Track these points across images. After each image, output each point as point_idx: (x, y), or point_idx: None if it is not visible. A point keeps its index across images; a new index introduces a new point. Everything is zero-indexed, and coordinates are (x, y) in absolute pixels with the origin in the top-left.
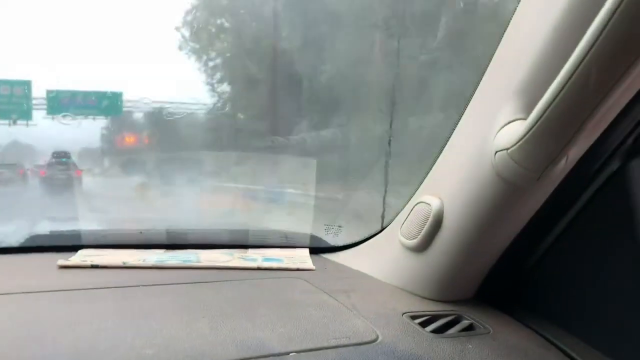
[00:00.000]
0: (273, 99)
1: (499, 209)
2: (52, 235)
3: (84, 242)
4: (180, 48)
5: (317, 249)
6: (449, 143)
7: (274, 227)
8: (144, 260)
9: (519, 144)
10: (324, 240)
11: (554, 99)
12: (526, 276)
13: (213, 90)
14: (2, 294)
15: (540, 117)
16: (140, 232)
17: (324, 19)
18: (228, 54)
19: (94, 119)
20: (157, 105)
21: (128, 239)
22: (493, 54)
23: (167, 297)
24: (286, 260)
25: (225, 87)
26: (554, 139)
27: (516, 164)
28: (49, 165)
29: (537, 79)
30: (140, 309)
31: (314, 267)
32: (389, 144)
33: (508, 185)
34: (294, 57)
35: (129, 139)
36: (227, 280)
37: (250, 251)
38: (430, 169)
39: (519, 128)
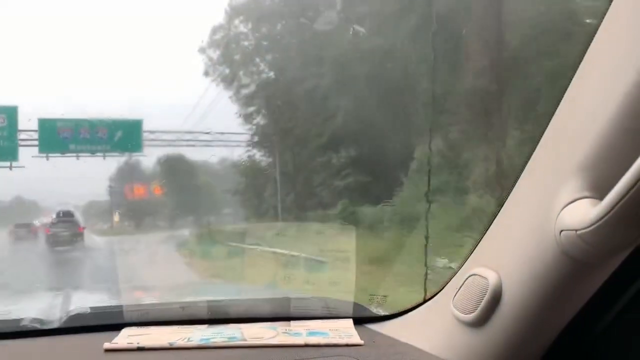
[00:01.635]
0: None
1: (564, 285)
2: (94, 313)
3: (126, 320)
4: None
5: (361, 319)
6: (502, 214)
7: (315, 295)
8: (188, 340)
9: (592, 227)
10: (368, 309)
11: (637, 181)
12: (588, 350)
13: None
14: None
15: (620, 200)
16: (182, 308)
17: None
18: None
19: (103, 157)
20: (187, 145)
21: (170, 314)
22: (549, 121)
23: None
24: (332, 334)
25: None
26: (636, 224)
27: (588, 245)
28: (53, 224)
29: (606, 155)
30: None
31: (362, 342)
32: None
33: (575, 263)
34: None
35: (156, 190)
36: None
37: (293, 324)
38: (481, 239)
39: (588, 208)
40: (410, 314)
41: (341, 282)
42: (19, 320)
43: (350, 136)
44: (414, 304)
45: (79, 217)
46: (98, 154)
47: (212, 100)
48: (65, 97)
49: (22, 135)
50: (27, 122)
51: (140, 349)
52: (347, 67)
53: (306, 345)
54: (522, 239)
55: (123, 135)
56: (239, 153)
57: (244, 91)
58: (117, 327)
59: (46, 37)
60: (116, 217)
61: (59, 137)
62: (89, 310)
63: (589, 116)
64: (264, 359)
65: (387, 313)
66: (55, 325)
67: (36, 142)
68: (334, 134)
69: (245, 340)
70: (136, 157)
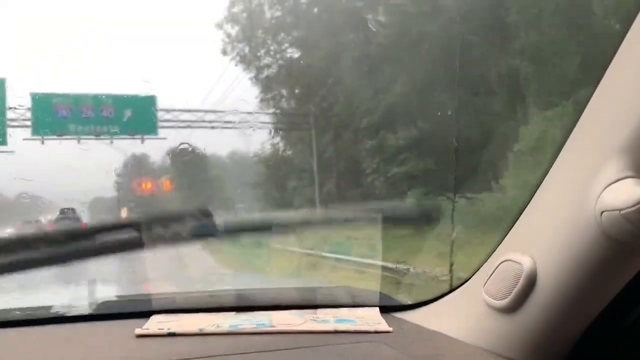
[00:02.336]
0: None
1: (604, 268)
2: (123, 301)
3: (154, 308)
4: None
5: (388, 308)
6: (535, 198)
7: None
8: (218, 326)
9: (638, 206)
10: (394, 298)
11: None
12: (624, 335)
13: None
14: None
15: None
16: (210, 296)
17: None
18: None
19: (110, 142)
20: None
21: (198, 302)
22: (588, 100)
23: None
24: (359, 322)
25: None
26: None
27: (632, 225)
28: (57, 220)
29: None
30: None
31: (390, 329)
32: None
33: (617, 244)
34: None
35: (166, 185)
36: (304, 347)
37: (320, 311)
38: (513, 224)
39: (632, 188)
40: (437, 302)
41: (367, 272)
42: (48, 307)
43: (408, 114)
44: (440, 293)
45: (81, 213)
46: (103, 136)
47: (232, 81)
48: (64, 70)
49: (11, 114)
50: (17, 98)
51: (171, 335)
52: (400, 31)
53: (335, 332)
54: (559, 223)
55: (133, 114)
56: (267, 137)
57: (270, 69)
58: (146, 315)
59: None
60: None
61: (56, 115)
62: (117, 298)
63: (631, 96)
64: (293, 345)
65: (413, 302)
66: (85, 312)
67: (28, 123)
68: (388, 110)
69: (274, 326)
70: (150, 140)
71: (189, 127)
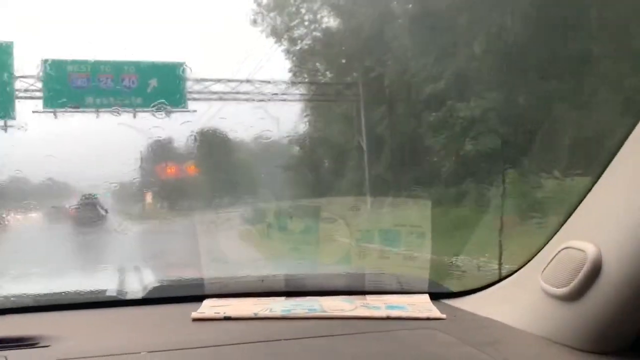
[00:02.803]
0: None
1: None
2: (176, 285)
3: (207, 292)
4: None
5: (437, 294)
6: (600, 185)
7: (390, 271)
8: (271, 311)
9: None
10: (443, 285)
11: None
12: None
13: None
14: (140, 353)
15: None
16: (261, 281)
17: None
18: None
19: (133, 115)
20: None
21: (249, 287)
22: None
23: (299, 352)
24: (410, 308)
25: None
26: None
27: None
28: (77, 206)
29: None
30: None
31: (444, 316)
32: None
33: None
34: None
35: (190, 169)
36: (357, 333)
37: (369, 298)
38: (572, 211)
39: None
40: (489, 289)
41: (416, 258)
42: (103, 291)
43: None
44: (489, 280)
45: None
46: (125, 109)
47: (263, 54)
48: (80, 34)
49: (19, 84)
50: (27, 65)
51: (227, 319)
52: None
53: (388, 318)
54: (624, 210)
55: (159, 84)
56: (307, 112)
57: (305, 40)
58: (198, 299)
59: None
60: (149, 199)
61: (70, 86)
62: (170, 283)
63: None
64: (347, 330)
65: (462, 289)
66: (139, 296)
67: (39, 94)
68: (458, 76)
69: (326, 312)
70: (177, 114)
71: (221, 99)
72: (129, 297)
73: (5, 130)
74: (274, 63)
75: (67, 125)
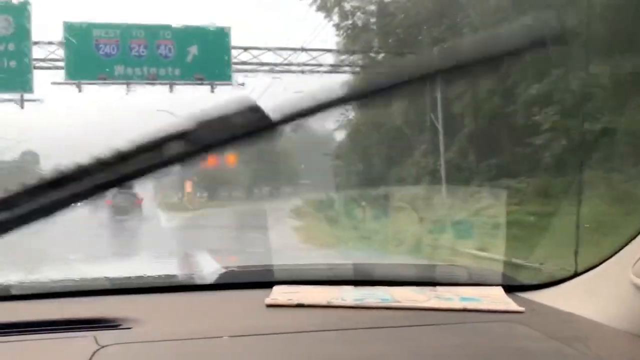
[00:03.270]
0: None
1: None
2: (246, 271)
3: (277, 278)
4: None
5: (511, 287)
6: None
7: (461, 262)
8: (342, 299)
9: None
10: (516, 278)
11: None
12: None
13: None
14: (222, 337)
15: None
16: (330, 268)
17: None
18: None
19: (170, 89)
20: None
21: (318, 274)
22: None
23: (375, 341)
24: (485, 301)
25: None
26: None
27: None
28: (114, 196)
29: None
30: (356, 356)
31: (522, 309)
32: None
33: None
34: None
35: (232, 158)
36: (433, 325)
37: (440, 289)
38: None
39: None
40: (568, 283)
41: (490, 250)
42: (174, 276)
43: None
44: (567, 273)
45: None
46: (160, 81)
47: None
48: None
49: (38, 52)
50: (47, 29)
51: (300, 306)
52: None
53: (464, 310)
54: None
55: (201, 53)
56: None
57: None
58: (267, 285)
59: None
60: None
61: (97, 53)
62: (239, 269)
63: None
64: (422, 321)
65: (538, 282)
66: (209, 281)
67: (61, 64)
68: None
69: (399, 302)
70: (222, 87)
71: (272, 71)
72: (200, 282)
73: (22, 105)
74: (332, 31)
75: (92, 99)
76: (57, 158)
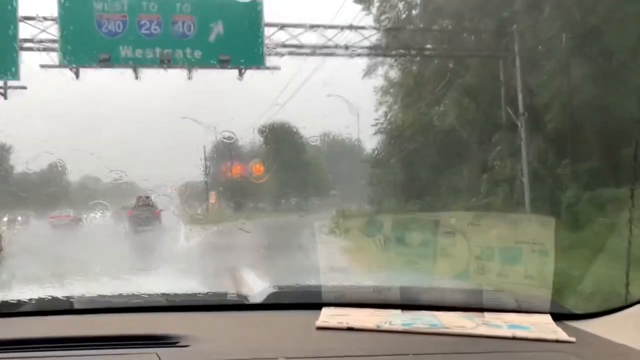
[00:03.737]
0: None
1: None
2: (294, 291)
3: (324, 300)
4: None
5: (559, 315)
6: None
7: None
8: (391, 323)
9: None
10: (564, 306)
11: None
12: None
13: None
14: (281, 358)
15: None
16: (376, 291)
17: None
18: None
19: (188, 74)
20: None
21: (365, 297)
22: None
23: None
24: (534, 329)
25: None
26: None
27: None
28: (134, 207)
29: None
30: None
31: (573, 339)
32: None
33: None
34: None
35: (259, 167)
36: (483, 352)
37: (487, 315)
38: None
39: None
40: (619, 313)
41: (537, 277)
42: (225, 294)
43: None
44: (618, 303)
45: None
46: (177, 65)
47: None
48: None
49: (26, 30)
50: (37, 2)
51: (350, 329)
52: None
53: (514, 338)
54: None
55: (227, 31)
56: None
57: None
58: (316, 307)
59: None
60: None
61: (98, 31)
62: (288, 289)
63: None
64: (471, 349)
65: (588, 311)
66: (258, 300)
67: (54, 44)
68: None
69: (447, 328)
70: (253, 73)
71: (313, 54)
72: (251, 301)
73: (5, 95)
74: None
75: (92, 87)
76: (45, 159)
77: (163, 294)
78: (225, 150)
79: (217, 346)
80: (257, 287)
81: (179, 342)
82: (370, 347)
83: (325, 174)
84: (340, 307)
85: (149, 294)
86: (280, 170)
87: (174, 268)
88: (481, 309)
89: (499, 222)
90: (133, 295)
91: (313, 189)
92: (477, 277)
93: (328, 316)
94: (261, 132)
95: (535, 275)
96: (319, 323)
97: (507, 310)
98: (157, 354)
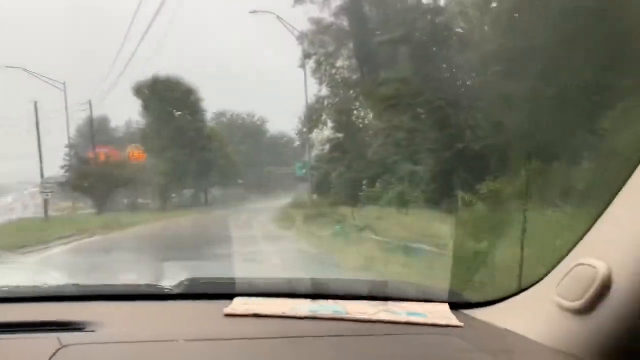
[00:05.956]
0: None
1: None
2: (207, 282)
3: (237, 290)
4: None
5: (457, 304)
6: (614, 206)
7: (411, 280)
8: (297, 310)
9: None
10: (462, 295)
11: None
12: None
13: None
14: (178, 341)
15: None
16: (288, 282)
17: None
18: None
19: None
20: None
21: (276, 288)
22: None
23: (323, 349)
24: (430, 316)
25: None
26: None
27: None
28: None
29: None
30: None
31: (461, 324)
32: (524, 213)
33: None
34: None
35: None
36: (378, 335)
37: (390, 304)
38: (588, 229)
39: None
40: (506, 301)
41: (437, 268)
42: (139, 285)
43: None
44: (508, 292)
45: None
46: None
47: None
48: None
49: None
50: None
51: (256, 316)
52: None
53: (408, 323)
54: (635, 233)
55: None
56: None
57: None
58: (228, 297)
59: None
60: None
61: None
62: (202, 280)
63: None
64: (369, 332)
65: (481, 300)
66: (172, 291)
67: None
68: None
69: (349, 314)
70: None
71: None
72: (165, 291)
73: None
74: None
75: None
76: None
77: (75, 284)
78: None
79: (121, 331)
80: (175, 279)
81: (84, 327)
82: (274, 331)
83: (231, 156)
84: (252, 297)
85: (61, 285)
86: (169, 151)
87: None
88: (385, 299)
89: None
90: (45, 286)
91: (217, 176)
92: (383, 268)
93: (238, 305)
94: (137, 92)
95: (436, 266)
96: (226, 310)
97: (409, 299)
98: (58, 339)
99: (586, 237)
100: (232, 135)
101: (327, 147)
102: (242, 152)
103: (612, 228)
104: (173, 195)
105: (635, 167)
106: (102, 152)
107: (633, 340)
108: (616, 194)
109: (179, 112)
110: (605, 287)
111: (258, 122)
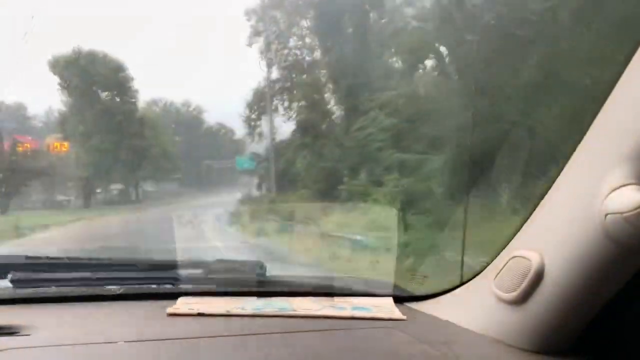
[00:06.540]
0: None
1: (606, 269)
2: (152, 282)
3: (182, 290)
4: None
5: (401, 298)
6: (547, 198)
7: (357, 274)
8: (242, 309)
9: (638, 210)
10: (406, 289)
11: None
12: (624, 328)
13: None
14: (117, 342)
15: None
16: (234, 281)
17: None
18: None
19: None
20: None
21: (222, 286)
22: (598, 111)
23: (269, 346)
24: (375, 310)
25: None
26: None
27: (633, 227)
28: None
29: None
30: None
31: (404, 317)
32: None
33: (618, 247)
34: None
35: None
36: (323, 330)
37: (336, 299)
38: (524, 223)
39: (634, 194)
40: (448, 294)
41: (382, 262)
42: (80, 287)
43: None
44: (451, 285)
45: None
46: None
47: None
48: None
49: None
50: None
51: (200, 315)
52: None
53: (352, 318)
54: (567, 223)
55: None
56: None
57: None
58: (173, 296)
59: None
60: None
61: None
62: (147, 280)
63: (638, 107)
64: (314, 328)
65: (425, 293)
66: (116, 292)
67: None
68: None
69: (295, 311)
70: None
71: None
72: (106, 293)
73: None
74: None
75: None
76: None
77: (8, 287)
78: None
79: (57, 334)
80: (117, 278)
81: (18, 332)
82: (218, 330)
83: (166, 146)
84: (198, 297)
85: None
86: (94, 139)
87: None
88: (332, 294)
89: (348, 212)
90: None
91: (150, 169)
92: (329, 264)
93: (181, 304)
94: (54, 67)
95: (380, 260)
96: (169, 310)
97: (355, 294)
98: None
99: (522, 230)
100: (166, 126)
101: (288, 133)
102: (177, 143)
103: (546, 219)
104: (98, 190)
105: (567, 159)
106: (12, 142)
107: (565, 327)
108: (550, 186)
109: (105, 92)
110: (538, 278)
111: (194, 112)
